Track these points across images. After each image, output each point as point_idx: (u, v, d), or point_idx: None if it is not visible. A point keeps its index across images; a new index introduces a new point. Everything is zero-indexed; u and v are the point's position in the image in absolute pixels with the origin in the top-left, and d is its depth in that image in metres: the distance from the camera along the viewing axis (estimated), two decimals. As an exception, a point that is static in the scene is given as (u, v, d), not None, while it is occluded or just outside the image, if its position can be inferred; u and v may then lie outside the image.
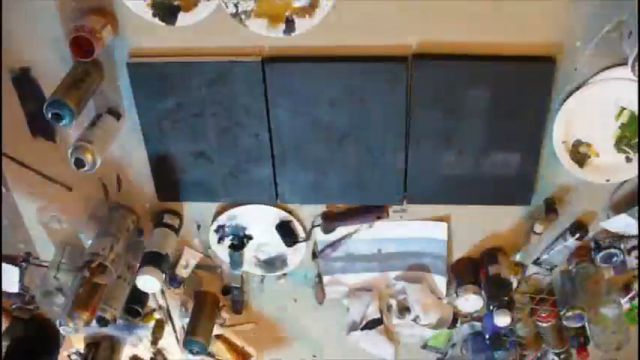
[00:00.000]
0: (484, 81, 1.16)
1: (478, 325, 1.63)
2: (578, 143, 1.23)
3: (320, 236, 1.45)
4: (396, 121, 1.22)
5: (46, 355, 1.65)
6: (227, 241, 1.49)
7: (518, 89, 1.16)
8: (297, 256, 1.51)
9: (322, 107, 1.22)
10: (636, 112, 1.17)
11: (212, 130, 1.26)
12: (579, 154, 1.24)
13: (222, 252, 1.52)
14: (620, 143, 1.22)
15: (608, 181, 1.27)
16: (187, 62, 1.18)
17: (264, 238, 1.49)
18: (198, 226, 1.48)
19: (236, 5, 1.09)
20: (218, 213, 1.46)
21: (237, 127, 1.26)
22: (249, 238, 1.49)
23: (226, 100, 1.22)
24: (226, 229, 1.48)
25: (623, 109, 1.17)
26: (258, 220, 1.45)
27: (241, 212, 1.44)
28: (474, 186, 1.31)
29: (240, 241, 1.48)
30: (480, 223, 1.40)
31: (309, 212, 1.43)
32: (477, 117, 1.21)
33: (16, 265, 1.52)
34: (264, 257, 1.54)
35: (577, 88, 1.16)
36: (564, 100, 1.17)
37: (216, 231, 1.48)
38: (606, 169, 1.25)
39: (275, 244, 1.50)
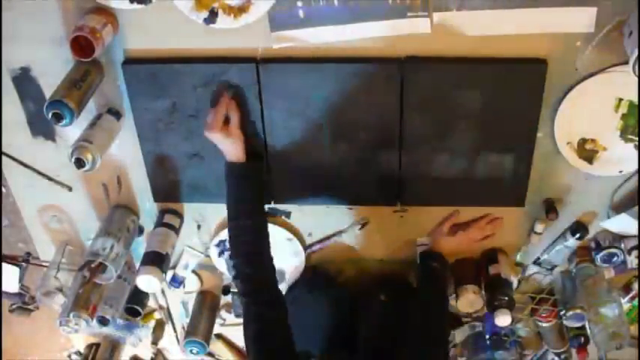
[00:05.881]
0: (476, 83, 1.17)
1: (478, 325, 1.63)
2: (583, 141, 1.23)
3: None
4: (389, 122, 1.22)
5: None
6: (227, 255, 1.50)
7: (510, 91, 1.17)
8: (297, 271, 1.52)
9: (316, 108, 1.22)
10: (634, 100, 1.16)
11: None
12: (586, 151, 1.24)
13: (222, 266, 1.53)
14: (625, 133, 1.22)
15: (621, 172, 1.27)
16: (183, 63, 1.18)
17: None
18: (199, 226, 1.48)
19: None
20: (219, 227, 1.46)
21: None
22: None
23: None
24: (227, 244, 1.47)
25: (620, 99, 1.17)
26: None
27: None
28: (467, 187, 1.31)
29: None
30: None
31: (307, 230, 1.46)
32: (470, 119, 1.21)
33: (16, 265, 1.52)
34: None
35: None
36: (562, 100, 1.18)
37: (217, 245, 1.48)
38: (617, 161, 1.25)
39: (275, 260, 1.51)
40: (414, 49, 1.14)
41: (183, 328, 1.73)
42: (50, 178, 1.40)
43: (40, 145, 1.35)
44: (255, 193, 1.24)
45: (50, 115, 1.10)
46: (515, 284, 1.47)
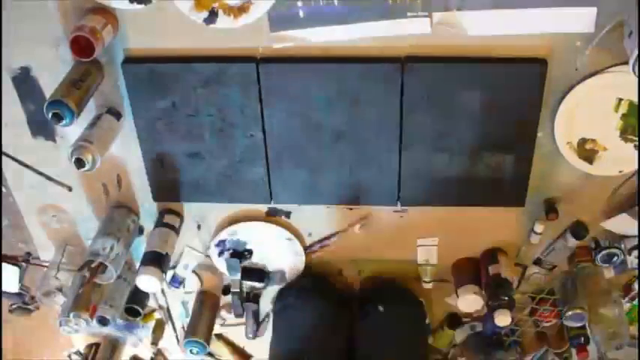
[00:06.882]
0: (476, 83, 1.16)
1: (478, 325, 1.63)
2: (583, 141, 1.23)
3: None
4: (390, 122, 1.22)
5: None
6: (227, 255, 1.50)
7: (510, 91, 1.17)
8: (296, 270, 1.52)
9: (316, 108, 1.22)
10: (634, 100, 1.16)
11: (207, 130, 1.26)
12: (586, 151, 1.24)
13: (222, 266, 1.53)
14: (625, 133, 1.21)
15: (621, 172, 1.26)
16: (183, 63, 1.18)
17: (264, 254, 1.51)
18: (199, 226, 1.48)
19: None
20: (220, 227, 1.46)
21: (231, 127, 1.26)
22: (250, 252, 1.50)
23: (221, 101, 1.22)
24: (227, 244, 1.48)
25: (620, 99, 1.17)
26: (259, 236, 1.47)
27: (242, 228, 1.44)
28: (467, 187, 1.31)
29: (239, 255, 1.50)
30: (480, 223, 1.40)
31: (307, 230, 1.46)
32: (470, 118, 1.21)
33: (16, 265, 1.52)
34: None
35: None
36: (562, 100, 1.18)
37: (217, 245, 1.49)
38: (617, 161, 1.25)
39: (274, 260, 1.51)
40: (414, 49, 1.14)
41: (183, 328, 1.73)
42: (50, 178, 1.40)
43: (40, 145, 1.35)
44: None
45: (50, 115, 1.10)
46: (515, 284, 1.47)
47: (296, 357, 1.32)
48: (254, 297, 1.61)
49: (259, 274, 1.53)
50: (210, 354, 1.77)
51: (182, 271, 1.56)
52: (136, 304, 1.58)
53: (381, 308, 1.42)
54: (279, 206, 1.41)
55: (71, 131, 1.25)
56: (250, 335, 1.67)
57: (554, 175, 1.30)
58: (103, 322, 1.53)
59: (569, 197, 1.33)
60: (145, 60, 1.19)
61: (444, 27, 1.10)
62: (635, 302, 1.53)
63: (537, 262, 1.47)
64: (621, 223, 1.33)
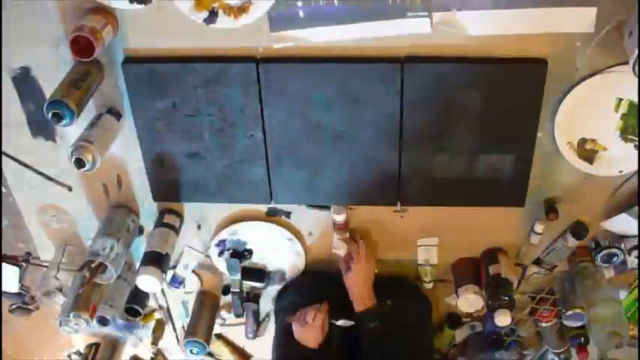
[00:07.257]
0: (476, 83, 1.17)
1: (478, 325, 1.63)
2: (583, 141, 1.23)
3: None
4: (389, 122, 1.22)
5: None
6: (227, 255, 1.51)
7: (510, 91, 1.17)
8: (297, 270, 1.53)
9: (316, 108, 1.22)
10: (634, 100, 1.16)
11: (207, 130, 1.27)
12: (587, 151, 1.24)
13: (222, 266, 1.53)
14: (625, 133, 1.22)
15: (621, 172, 1.27)
16: (183, 63, 1.18)
17: (264, 254, 1.51)
18: (199, 226, 1.48)
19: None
20: (220, 227, 1.46)
21: (231, 127, 1.26)
22: (250, 252, 1.50)
23: (221, 101, 1.22)
24: (227, 244, 1.48)
25: (620, 99, 1.17)
26: (259, 236, 1.47)
27: (242, 228, 1.45)
28: (467, 188, 1.31)
29: (239, 254, 1.50)
30: (480, 223, 1.40)
31: (307, 229, 1.46)
32: (470, 119, 1.21)
33: (16, 265, 1.52)
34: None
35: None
36: (562, 100, 1.18)
37: (217, 245, 1.49)
38: (617, 161, 1.25)
39: (274, 260, 1.52)
40: (414, 49, 1.14)
41: (183, 328, 1.73)
42: (50, 178, 1.40)
43: (40, 145, 1.35)
44: None
45: (50, 115, 1.10)
46: (515, 284, 1.47)
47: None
48: (254, 297, 1.61)
49: (259, 274, 1.53)
50: (210, 354, 1.77)
51: (182, 271, 1.56)
52: (136, 304, 1.58)
53: (389, 302, 1.41)
54: (279, 206, 1.41)
55: (71, 131, 1.26)
56: (250, 335, 1.67)
57: (554, 175, 1.30)
58: (103, 322, 1.53)
59: (569, 197, 1.33)
60: (144, 60, 1.20)
61: (444, 27, 1.10)
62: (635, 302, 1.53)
63: (537, 262, 1.47)
64: (621, 223, 1.33)
